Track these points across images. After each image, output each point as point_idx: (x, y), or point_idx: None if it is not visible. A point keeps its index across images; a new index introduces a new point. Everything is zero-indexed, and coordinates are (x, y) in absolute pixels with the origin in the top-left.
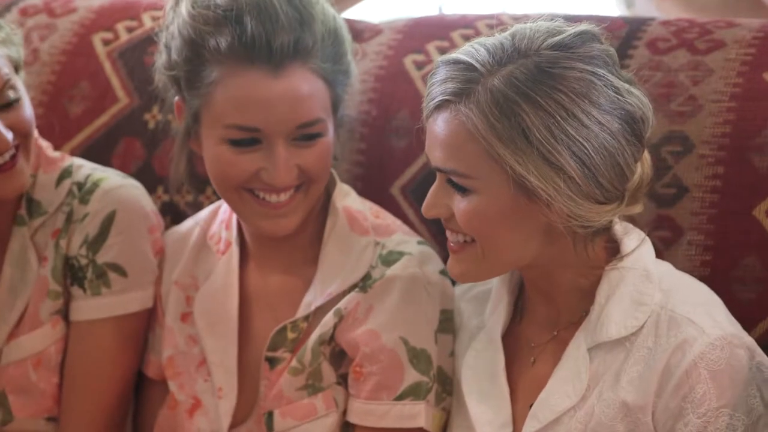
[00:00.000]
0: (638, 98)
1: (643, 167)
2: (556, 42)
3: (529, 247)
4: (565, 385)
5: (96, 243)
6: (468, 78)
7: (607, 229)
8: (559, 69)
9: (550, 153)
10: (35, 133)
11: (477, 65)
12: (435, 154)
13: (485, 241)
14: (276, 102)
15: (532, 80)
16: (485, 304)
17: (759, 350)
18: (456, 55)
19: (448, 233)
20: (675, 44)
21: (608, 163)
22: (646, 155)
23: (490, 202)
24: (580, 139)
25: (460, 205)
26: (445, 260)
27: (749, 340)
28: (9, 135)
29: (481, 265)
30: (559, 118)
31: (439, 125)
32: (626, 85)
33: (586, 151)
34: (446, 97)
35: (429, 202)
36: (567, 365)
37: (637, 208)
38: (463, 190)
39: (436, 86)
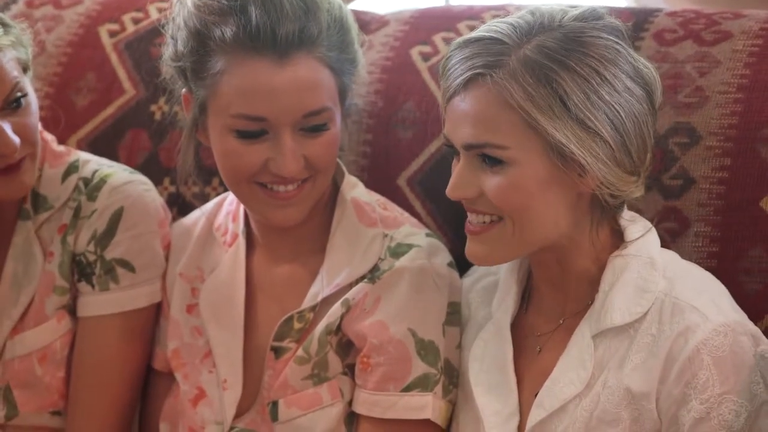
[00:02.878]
0: (650, 71)
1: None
2: (576, 15)
3: (559, 225)
4: (569, 372)
5: (104, 239)
6: (497, 51)
7: (618, 211)
8: (587, 37)
9: (588, 118)
10: (39, 126)
11: (503, 38)
12: (463, 131)
13: (519, 216)
14: (282, 91)
15: (563, 48)
16: (493, 296)
17: (763, 338)
18: (476, 34)
19: (471, 216)
20: (682, 35)
21: (637, 131)
22: None
23: (527, 173)
24: (614, 104)
25: (492, 181)
26: (452, 252)
27: (753, 328)
28: (16, 139)
29: (509, 245)
30: (594, 84)
31: (467, 102)
32: (641, 58)
33: (619, 116)
34: (477, 71)
35: (455, 183)
36: (571, 353)
37: (638, 192)
38: (497, 163)
39: (461, 64)
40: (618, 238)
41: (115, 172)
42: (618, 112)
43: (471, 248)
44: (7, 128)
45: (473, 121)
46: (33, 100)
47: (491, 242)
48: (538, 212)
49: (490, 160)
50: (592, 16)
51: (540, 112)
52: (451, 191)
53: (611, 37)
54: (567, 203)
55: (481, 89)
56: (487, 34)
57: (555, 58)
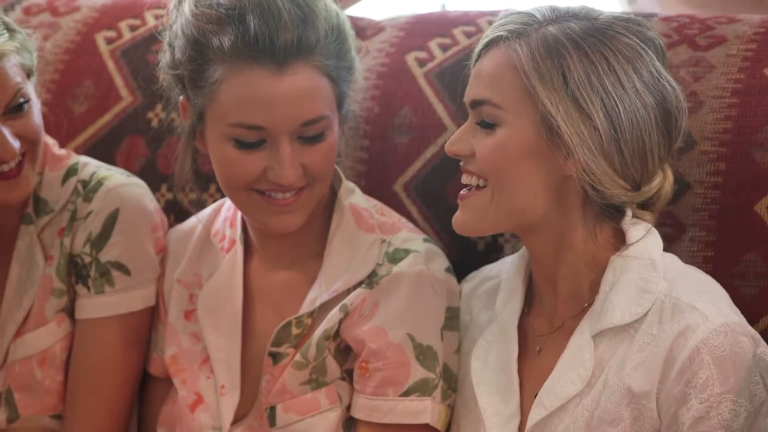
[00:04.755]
0: (677, 93)
1: (665, 179)
2: (617, 15)
3: (538, 202)
4: (570, 372)
5: (99, 241)
6: (526, 22)
7: (619, 216)
8: (612, 32)
9: (583, 99)
10: (42, 128)
11: (538, 15)
12: (474, 88)
13: (498, 181)
14: (280, 100)
15: (585, 33)
16: (494, 299)
17: (762, 340)
18: (518, 9)
19: (463, 177)
20: (676, 40)
21: (634, 133)
22: (670, 174)
23: (513, 137)
24: (615, 96)
25: (483, 142)
26: (449, 257)
27: (752, 330)
28: (16, 144)
29: (487, 214)
30: (600, 70)
31: (485, 61)
32: (669, 77)
33: (617, 109)
34: (500, 33)
35: (454, 138)
36: (572, 352)
37: (648, 216)
38: (490, 126)
39: (493, 29)
40: (620, 241)
41: (112, 174)
42: (616, 104)
43: (456, 217)
44: (8, 133)
45: (483, 78)
46: (35, 105)
47: (472, 210)
48: (516, 180)
49: (485, 124)
50: (631, 20)
51: (540, 80)
52: (448, 144)
53: (639, 41)
54: (550, 182)
55: (498, 50)
56: (526, 9)
57: (572, 38)
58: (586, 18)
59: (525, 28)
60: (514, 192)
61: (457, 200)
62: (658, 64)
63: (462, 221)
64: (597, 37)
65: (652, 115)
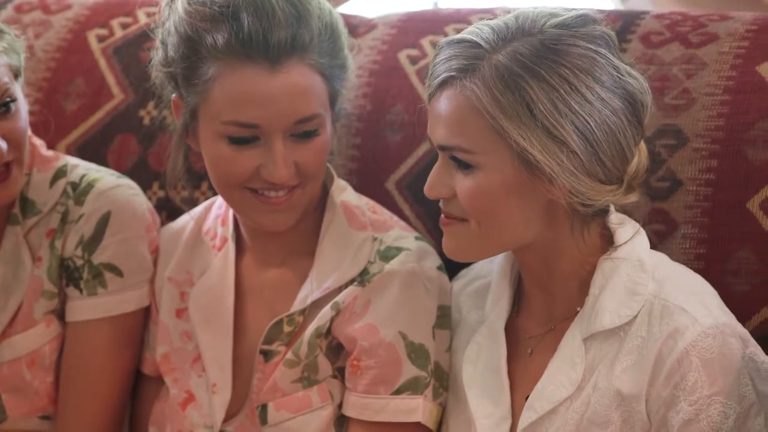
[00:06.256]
0: (638, 81)
1: (640, 156)
2: (559, 22)
3: (529, 228)
4: (560, 375)
5: (91, 244)
6: (473, 54)
7: (604, 215)
8: (563, 46)
9: (554, 127)
10: (28, 131)
11: (482, 42)
12: (438, 132)
13: (486, 220)
14: (274, 98)
15: (536, 55)
16: (484, 298)
17: (752, 340)
18: (460, 35)
19: (445, 212)
20: (668, 38)
21: (610, 141)
22: (643, 145)
23: (494, 178)
24: (584, 114)
25: (463, 183)
26: (441, 256)
27: (742, 330)
28: (4, 145)
29: (476, 244)
30: (563, 93)
31: (442, 103)
32: (627, 67)
33: (589, 126)
34: (451, 74)
35: (431, 182)
36: (562, 356)
37: (633, 197)
38: (466, 167)
39: (440, 65)
40: (607, 241)
41: (103, 176)
42: (587, 122)
43: (444, 242)
44: None
45: (445, 123)
46: (23, 106)
47: (458, 238)
48: (505, 217)
49: (459, 163)
50: (575, 23)
51: (506, 118)
52: (427, 190)
53: (590, 46)
54: (538, 209)
55: (454, 92)
56: (468, 36)
57: (526, 65)
58: (530, 33)
59: (474, 63)
60: (506, 227)
61: (440, 225)
62: (614, 59)
63: (453, 249)
64: (550, 58)
65: (622, 116)
